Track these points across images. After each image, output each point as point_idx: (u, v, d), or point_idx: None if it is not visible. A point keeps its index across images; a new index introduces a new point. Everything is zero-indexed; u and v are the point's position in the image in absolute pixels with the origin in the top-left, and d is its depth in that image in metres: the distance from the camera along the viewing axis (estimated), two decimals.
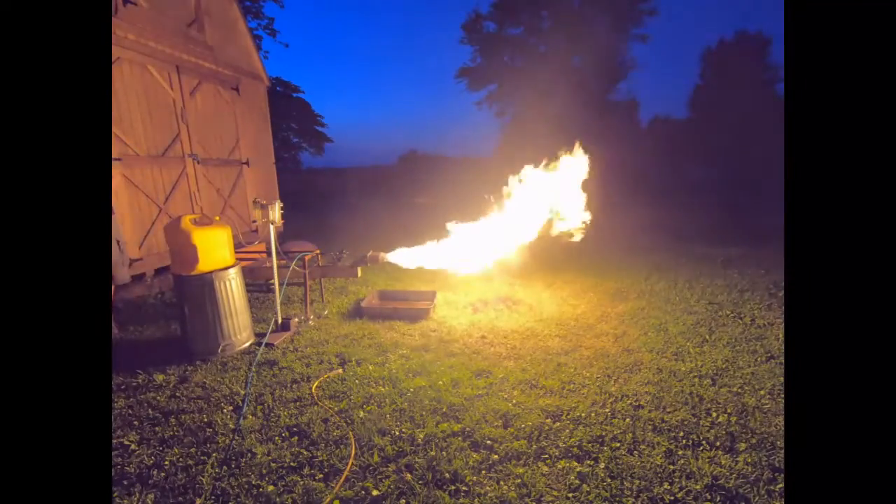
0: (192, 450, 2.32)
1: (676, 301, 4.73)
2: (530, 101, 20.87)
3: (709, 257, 6.81)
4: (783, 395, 2.73)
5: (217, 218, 3.56)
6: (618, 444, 2.30)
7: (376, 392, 2.87)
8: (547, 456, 2.23)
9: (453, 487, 2.02)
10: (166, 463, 2.21)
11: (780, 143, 1.55)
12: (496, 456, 2.23)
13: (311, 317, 4.32)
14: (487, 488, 2.01)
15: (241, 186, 7.36)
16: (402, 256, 4.37)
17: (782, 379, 2.94)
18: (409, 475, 2.09)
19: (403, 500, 1.95)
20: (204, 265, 3.33)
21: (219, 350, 3.42)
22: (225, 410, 2.69)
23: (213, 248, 3.38)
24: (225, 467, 2.17)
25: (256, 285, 5.05)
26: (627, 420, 2.52)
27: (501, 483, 2.05)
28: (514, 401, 2.75)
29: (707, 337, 3.72)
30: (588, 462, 2.18)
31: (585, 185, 4.10)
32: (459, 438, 2.38)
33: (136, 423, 2.57)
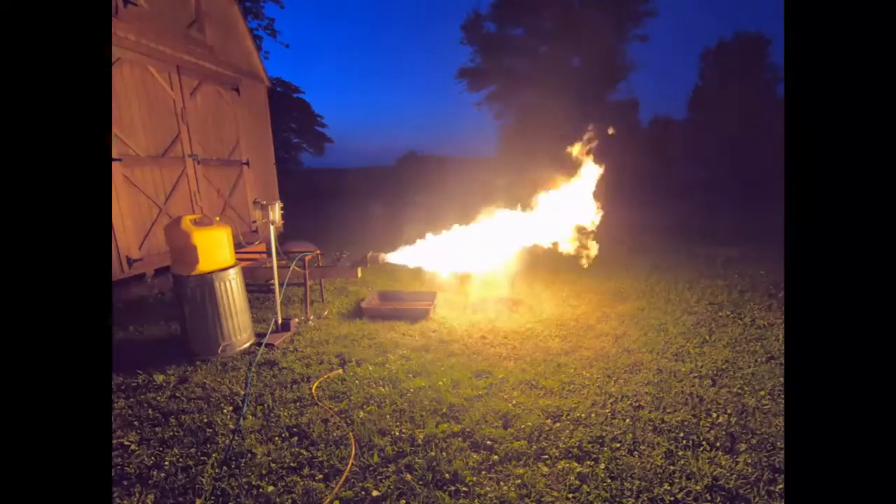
0: (192, 450, 2.32)
1: (676, 301, 4.73)
2: (530, 101, 20.87)
3: (709, 257, 6.80)
4: (783, 396, 2.73)
5: (217, 218, 3.56)
6: (618, 445, 2.30)
7: (376, 392, 2.87)
8: (547, 456, 2.23)
9: (453, 488, 2.02)
10: (166, 463, 2.21)
11: (779, 144, 1.55)
12: (496, 456, 2.23)
13: (311, 317, 4.32)
14: (487, 489, 2.01)
15: (242, 187, 7.36)
16: (401, 256, 4.37)
17: (782, 379, 2.94)
18: (409, 476, 2.09)
19: (403, 501, 1.95)
20: (204, 265, 3.33)
21: (219, 350, 3.41)
22: (225, 411, 2.69)
23: (214, 249, 3.38)
24: (225, 468, 2.17)
25: (256, 285, 5.04)
26: (627, 420, 2.52)
27: (501, 483, 2.05)
28: (514, 401, 2.75)
29: (707, 337, 3.72)
30: (588, 462, 2.18)
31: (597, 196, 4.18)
32: (459, 439, 2.37)
33: (136, 423, 2.57)
